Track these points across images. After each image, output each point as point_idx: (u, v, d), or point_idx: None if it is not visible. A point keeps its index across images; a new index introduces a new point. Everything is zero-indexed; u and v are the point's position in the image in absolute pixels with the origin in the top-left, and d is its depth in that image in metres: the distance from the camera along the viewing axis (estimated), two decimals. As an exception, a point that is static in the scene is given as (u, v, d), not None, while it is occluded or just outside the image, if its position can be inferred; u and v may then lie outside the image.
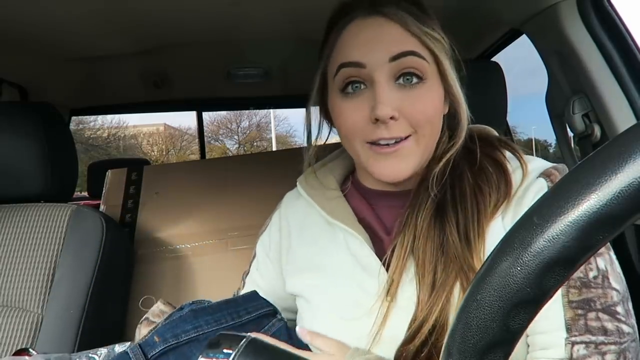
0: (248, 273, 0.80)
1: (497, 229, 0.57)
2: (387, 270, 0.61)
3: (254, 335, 0.36)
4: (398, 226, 0.62)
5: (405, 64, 0.58)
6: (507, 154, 0.63)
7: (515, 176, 0.60)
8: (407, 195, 0.64)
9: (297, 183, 0.74)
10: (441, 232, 0.58)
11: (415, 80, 0.59)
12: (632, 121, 0.93)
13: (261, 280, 0.77)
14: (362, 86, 0.60)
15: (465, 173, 0.61)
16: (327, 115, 0.69)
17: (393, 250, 0.60)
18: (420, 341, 0.55)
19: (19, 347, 1.01)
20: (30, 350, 0.97)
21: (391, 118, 0.57)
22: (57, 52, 1.43)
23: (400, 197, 0.65)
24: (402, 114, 0.58)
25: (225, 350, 0.33)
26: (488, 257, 0.24)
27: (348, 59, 0.59)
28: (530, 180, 0.59)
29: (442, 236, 0.58)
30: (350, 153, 0.66)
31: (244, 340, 0.34)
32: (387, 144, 0.59)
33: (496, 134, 0.69)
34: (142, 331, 0.67)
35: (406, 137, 0.59)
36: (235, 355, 0.33)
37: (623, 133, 0.22)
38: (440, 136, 0.64)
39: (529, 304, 0.22)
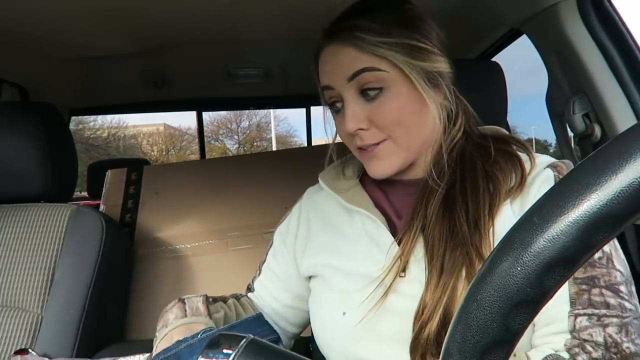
0: (265, 261, 0.84)
1: (506, 214, 0.61)
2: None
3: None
4: (409, 212, 0.67)
5: (363, 80, 0.63)
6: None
7: (526, 168, 0.63)
8: (418, 183, 0.69)
9: (319, 177, 0.79)
10: (450, 218, 0.62)
11: (375, 92, 0.64)
12: (633, 121, 0.93)
13: (276, 266, 0.81)
14: (340, 104, 0.67)
15: (478, 164, 0.65)
16: None
17: (404, 233, 0.65)
18: (436, 323, 0.57)
19: (18, 347, 1.01)
20: (30, 350, 0.97)
21: (361, 129, 0.64)
22: (57, 52, 1.43)
23: (411, 185, 0.70)
24: (372, 123, 0.64)
25: (225, 351, 0.33)
26: (488, 257, 0.24)
27: (323, 83, 0.68)
28: (538, 170, 0.62)
29: (452, 222, 0.62)
30: None
31: (244, 340, 0.34)
32: (366, 149, 0.66)
33: (507, 133, 0.73)
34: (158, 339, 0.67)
35: (381, 142, 0.65)
36: (235, 355, 0.33)
37: (623, 133, 0.22)
38: (448, 129, 0.68)
39: (529, 304, 0.22)
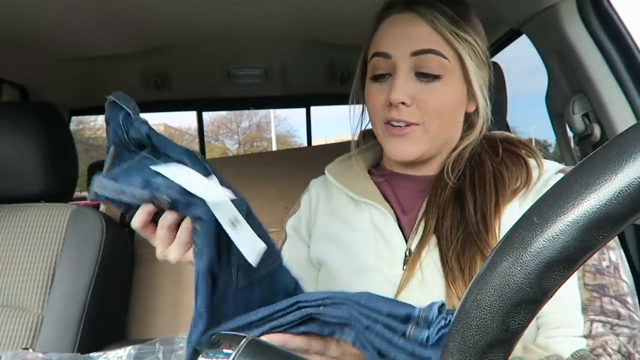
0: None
1: (513, 212, 0.61)
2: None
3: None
4: (416, 208, 0.68)
5: (425, 61, 0.63)
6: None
7: (534, 173, 0.64)
8: (427, 180, 0.70)
9: (326, 170, 0.79)
10: (461, 212, 0.63)
11: (432, 77, 0.64)
12: (632, 121, 0.93)
13: (291, 256, 0.79)
14: (388, 75, 0.66)
15: (486, 162, 0.66)
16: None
17: (414, 227, 0.65)
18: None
19: (19, 347, 1.01)
20: (30, 350, 0.97)
21: (403, 103, 0.63)
22: (57, 52, 1.43)
23: (420, 182, 0.71)
24: (415, 102, 0.64)
25: (225, 350, 0.33)
26: (488, 257, 0.24)
27: (379, 49, 0.66)
28: (550, 174, 0.63)
29: (462, 215, 0.63)
30: (375, 134, 0.72)
31: (244, 340, 0.34)
32: (399, 126, 0.65)
33: (516, 137, 0.74)
34: None
35: (415, 124, 0.64)
36: (235, 355, 0.33)
37: (623, 133, 0.22)
38: (462, 132, 0.70)
39: (529, 304, 0.22)
